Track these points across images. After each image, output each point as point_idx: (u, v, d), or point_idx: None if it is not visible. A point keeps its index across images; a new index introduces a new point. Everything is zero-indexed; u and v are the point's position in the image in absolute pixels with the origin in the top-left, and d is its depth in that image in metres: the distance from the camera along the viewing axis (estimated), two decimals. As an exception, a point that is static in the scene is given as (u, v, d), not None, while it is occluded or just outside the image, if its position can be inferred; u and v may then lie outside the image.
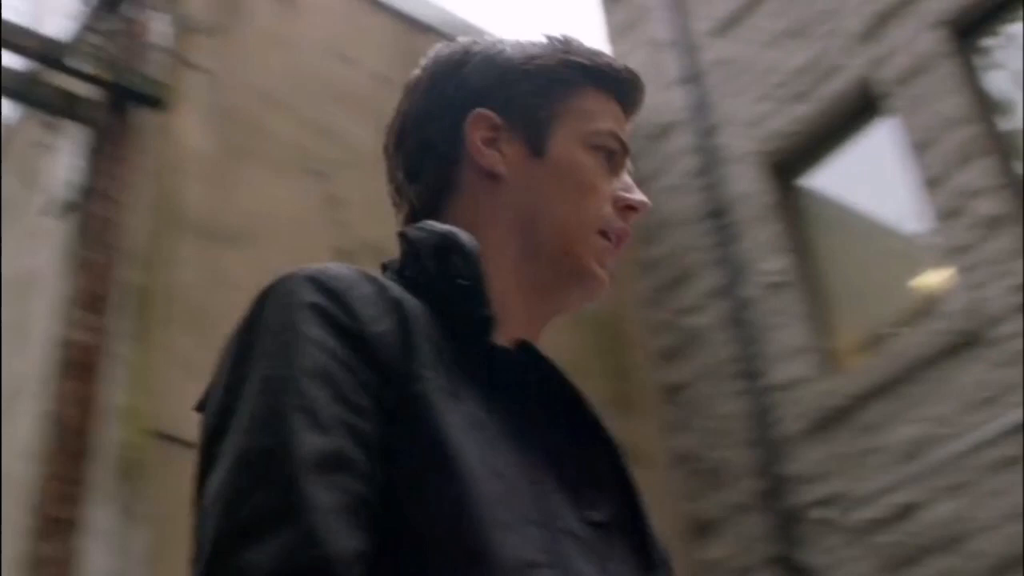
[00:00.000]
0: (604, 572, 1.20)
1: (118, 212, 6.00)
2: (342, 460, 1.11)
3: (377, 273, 1.33)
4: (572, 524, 1.20)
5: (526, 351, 1.31)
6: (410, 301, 1.28)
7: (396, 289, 1.28)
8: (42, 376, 6.37)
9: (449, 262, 1.33)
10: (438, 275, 1.33)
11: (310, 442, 1.10)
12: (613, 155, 1.49)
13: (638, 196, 1.49)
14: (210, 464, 1.16)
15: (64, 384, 5.47)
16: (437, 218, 1.43)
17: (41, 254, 7.84)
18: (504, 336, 1.33)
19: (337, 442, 1.12)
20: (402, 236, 1.40)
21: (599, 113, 1.49)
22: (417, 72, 1.54)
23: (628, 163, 1.52)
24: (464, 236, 1.35)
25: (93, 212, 6.02)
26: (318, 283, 1.23)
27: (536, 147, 1.47)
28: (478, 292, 1.31)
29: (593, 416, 1.30)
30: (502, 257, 1.41)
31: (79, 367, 5.50)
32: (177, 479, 4.46)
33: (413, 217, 1.48)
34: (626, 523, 1.27)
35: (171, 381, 5.76)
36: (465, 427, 1.19)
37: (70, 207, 6.85)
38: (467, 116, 1.47)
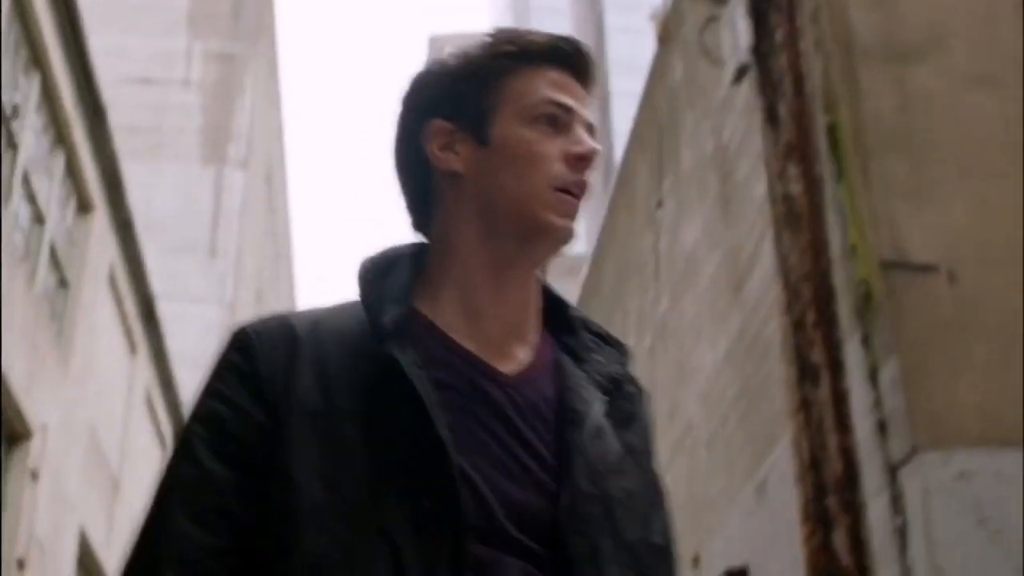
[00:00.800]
0: (420, 554, 1.36)
1: (795, 60, 6.12)
2: (201, 481, 1.44)
3: (303, 310, 1.59)
4: (397, 521, 1.38)
5: (398, 363, 1.44)
6: (326, 325, 1.54)
7: (305, 322, 1.54)
8: (757, 237, 6.91)
9: (360, 286, 1.54)
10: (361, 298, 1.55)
11: (178, 470, 1.47)
12: (555, 119, 1.56)
13: (585, 146, 1.56)
14: None
15: (790, 236, 5.71)
16: (429, 229, 1.63)
17: (728, 122, 6.54)
18: (476, 314, 1.55)
19: (199, 469, 1.45)
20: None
21: (533, 86, 1.57)
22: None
23: (582, 115, 1.59)
24: (364, 261, 1.57)
25: (771, 67, 6.21)
26: (238, 339, 1.53)
27: (482, 138, 1.57)
28: (371, 309, 1.50)
29: (430, 421, 1.41)
30: (468, 244, 1.57)
31: (800, 217, 5.70)
32: (913, 304, 5.48)
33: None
34: (450, 511, 1.38)
35: (888, 210, 5.84)
36: (317, 443, 1.43)
37: (746, 69, 6.24)
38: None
